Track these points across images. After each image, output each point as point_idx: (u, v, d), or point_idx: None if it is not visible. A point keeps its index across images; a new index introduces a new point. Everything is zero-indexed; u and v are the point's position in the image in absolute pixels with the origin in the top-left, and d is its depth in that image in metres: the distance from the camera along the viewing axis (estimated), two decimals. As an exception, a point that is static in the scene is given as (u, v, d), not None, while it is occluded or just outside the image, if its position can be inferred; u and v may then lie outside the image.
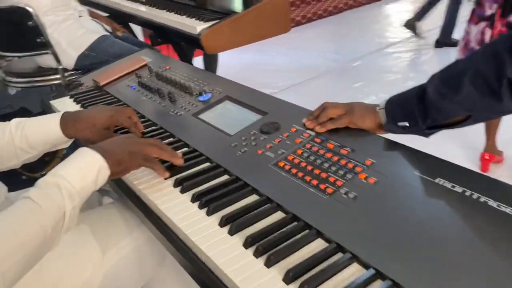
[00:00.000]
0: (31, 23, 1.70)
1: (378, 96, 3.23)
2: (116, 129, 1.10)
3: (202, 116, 1.12)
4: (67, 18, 1.91)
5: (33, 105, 2.59)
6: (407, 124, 0.84)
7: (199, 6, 1.88)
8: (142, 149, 0.89)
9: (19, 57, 1.88)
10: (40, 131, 1.00)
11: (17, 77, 2.00)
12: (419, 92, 0.82)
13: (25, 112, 2.60)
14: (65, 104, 1.38)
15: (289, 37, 4.82)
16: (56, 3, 1.86)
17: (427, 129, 0.84)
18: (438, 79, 0.79)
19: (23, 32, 1.73)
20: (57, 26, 1.87)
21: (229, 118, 1.09)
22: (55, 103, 1.40)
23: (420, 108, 0.81)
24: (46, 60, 1.91)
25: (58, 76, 1.88)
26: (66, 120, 1.00)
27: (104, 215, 1.03)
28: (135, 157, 0.88)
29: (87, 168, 0.82)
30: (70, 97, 1.42)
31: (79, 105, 1.36)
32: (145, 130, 1.12)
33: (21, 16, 1.70)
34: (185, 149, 1.01)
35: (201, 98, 1.19)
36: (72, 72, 1.95)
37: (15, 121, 1.01)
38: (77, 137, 1.01)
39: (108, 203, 1.17)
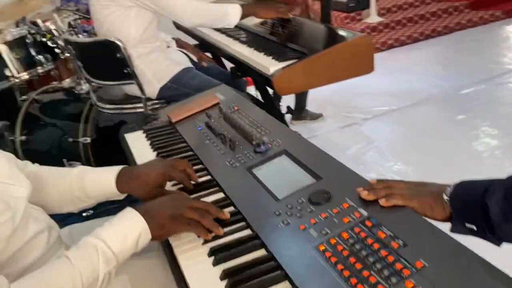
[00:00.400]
0: (119, 55, 1.82)
1: (483, 132, 2.89)
2: None
3: (255, 170, 1.07)
4: (154, 49, 2.00)
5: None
6: (474, 228, 0.70)
7: (281, 43, 1.84)
8: (184, 213, 0.89)
9: (108, 85, 2.02)
10: (97, 184, 1.05)
11: (106, 103, 2.15)
12: (484, 201, 0.67)
13: (124, 124, 2.79)
14: (137, 139, 1.43)
15: (390, 58, 4.59)
16: (145, 36, 1.95)
17: (497, 240, 0.69)
18: (502, 195, 0.64)
19: (113, 63, 1.85)
20: (144, 58, 1.97)
21: (281, 177, 1.02)
22: (128, 137, 1.46)
23: (486, 221, 0.67)
24: (132, 89, 2.02)
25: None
26: (121, 178, 1.04)
27: (146, 266, 1.03)
28: (177, 221, 0.88)
29: (128, 231, 0.84)
30: (143, 132, 1.46)
31: (149, 141, 1.39)
32: (198, 181, 1.10)
33: (112, 48, 1.82)
34: (230, 209, 0.97)
35: (258, 149, 1.13)
36: (156, 101, 2.04)
37: (78, 170, 1.08)
38: (131, 194, 1.05)
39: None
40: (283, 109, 3.00)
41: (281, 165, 1.07)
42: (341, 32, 1.65)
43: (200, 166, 1.17)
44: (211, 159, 1.19)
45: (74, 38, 2.02)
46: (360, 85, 3.94)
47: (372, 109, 3.50)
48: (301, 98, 3.29)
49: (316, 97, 3.51)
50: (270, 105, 2.10)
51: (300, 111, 3.30)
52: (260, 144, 1.14)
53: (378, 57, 4.73)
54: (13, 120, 2.47)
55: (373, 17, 5.07)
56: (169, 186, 1.10)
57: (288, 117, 3.29)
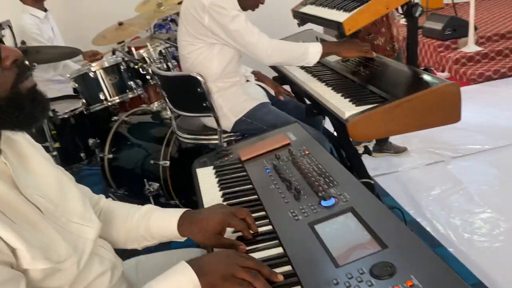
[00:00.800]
0: (200, 89, 1.88)
1: None
2: None
3: (318, 227, 1.02)
4: (233, 84, 2.04)
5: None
6: None
7: (361, 84, 1.77)
8: (236, 273, 0.86)
9: (187, 116, 2.10)
10: (160, 226, 1.08)
11: (184, 132, 2.23)
12: None
13: (206, 149, 2.87)
14: (207, 176, 1.44)
15: (487, 91, 4.25)
16: (226, 71, 2.00)
17: None
18: None
19: (193, 96, 1.92)
20: (222, 93, 2.01)
21: (344, 239, 0.96)
22: (199, 172, 1.48)
23: None
24: (209, 121, 2.08)
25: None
26: (183, 222, 1.06)
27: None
28: (228, 281, 0.86)
29: (180, 286, 0.84)
30: (213, 168, 1.48)
31: (217, 179, 1.40)
32: (258, 231, 1.08)
33: (193, 83, 1.89)
34: (287, 269, 0.93)
35: (323, 203, 1.08)
36: (230, 133, 2.07)
37: (145, 209, 1.12)
38: (191, 238, 1.06)
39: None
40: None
41: (345, 225, 1.01)
42: (426, 77, 1.54)
43: (262, 213, 1.15)
44: (274, 207, 1.16)
45: (159, 70, 2.13)
46: (450, 120, 3.69)
47: (462, 147, 3.25)
48: (384, 131, 3.15)
49: (401, 131, 3.34)
50: (346, 144, 2.02)
51: (382, 143, 3.16)
52: (326, 197, 1.09)
53: (473, 89, 4.43)
54: (104, 139, 2.67)
55: (470, 46, 4.74)
56: (228, 233, 1.09)
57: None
